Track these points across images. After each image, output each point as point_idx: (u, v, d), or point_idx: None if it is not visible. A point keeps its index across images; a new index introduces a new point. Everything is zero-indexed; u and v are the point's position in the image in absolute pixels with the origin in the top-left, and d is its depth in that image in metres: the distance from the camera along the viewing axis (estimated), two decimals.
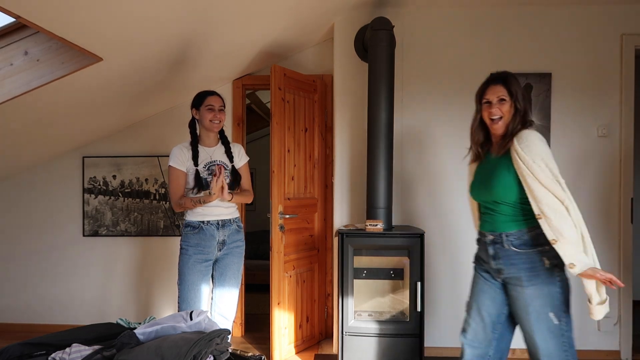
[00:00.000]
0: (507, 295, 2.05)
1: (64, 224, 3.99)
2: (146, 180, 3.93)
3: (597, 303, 1.86)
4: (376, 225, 2.99)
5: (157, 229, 3.95)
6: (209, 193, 2.53)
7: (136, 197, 3.94)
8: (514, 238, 1.98)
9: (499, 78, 2.07)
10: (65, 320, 3.93)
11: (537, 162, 1.88)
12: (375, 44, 3.09)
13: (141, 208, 3.95)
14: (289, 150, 3.39)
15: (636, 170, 3.66)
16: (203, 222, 2.63)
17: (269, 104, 3.46)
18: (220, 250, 2.68)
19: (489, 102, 2.06)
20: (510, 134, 2.01)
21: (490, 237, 2.06)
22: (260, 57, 3.59)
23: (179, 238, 3.93)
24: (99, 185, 3.95)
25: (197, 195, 2.61)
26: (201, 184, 2.61)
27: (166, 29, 2.52)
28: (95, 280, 3.99)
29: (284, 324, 3.33)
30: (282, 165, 3.32)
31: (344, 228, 3.16)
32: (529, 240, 1.96)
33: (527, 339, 2.01)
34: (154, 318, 1.86)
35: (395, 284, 3.12)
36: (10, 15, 1.95)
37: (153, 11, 2.25)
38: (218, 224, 2.66)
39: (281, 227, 3.27)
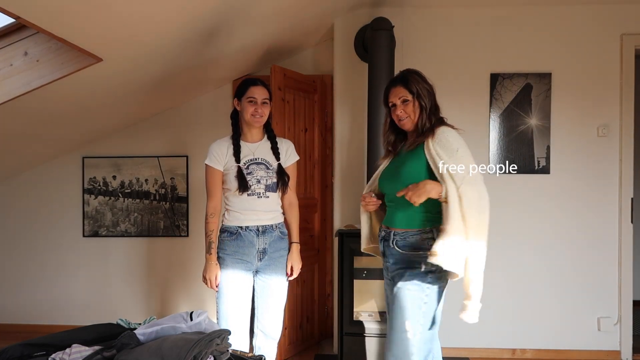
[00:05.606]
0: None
1: (64, 224, 3.99)
2: (146, 180, 3.93)
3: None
4: None
5: (157, 229, 3.95)
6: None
7: (136, 198, 3.94)
8: (399, 238, 1.99)
9: (397, 79, 2.07)
10: (65, 320, 3.92)
11: (455, 154, 1.89)
12: (375, 44, 3.09)
13: (141, 208, 3.95)
14: None
15: (636, 170, 3.66)
16: (241, 227, 2.33)
17: None
18: (260, 260, 2.37)
19: (394, 105, 2.05)
20: (420, 131, 2.00)
21: (382, 233, 2.10)
22: (260, 57, 3.59)
23: (179, 239, 3.98)
24: (99, 185, 3.95)
25: (212, 242, 2.35)
26: (245, 183, 2.31)
27: (166, 30, 2.52)
28: (95, 281, 3.99)
29: (284, 324, 3.32)
30: None
31: (344, 228, 3.16)
32: (413, 242, 1.95)
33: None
34: (154, 318, 1.86)
35: None
36: (10, 16, 1.95)
37: (153, 12, 2.25)
38: (258, 229, 2.35)
39: None
